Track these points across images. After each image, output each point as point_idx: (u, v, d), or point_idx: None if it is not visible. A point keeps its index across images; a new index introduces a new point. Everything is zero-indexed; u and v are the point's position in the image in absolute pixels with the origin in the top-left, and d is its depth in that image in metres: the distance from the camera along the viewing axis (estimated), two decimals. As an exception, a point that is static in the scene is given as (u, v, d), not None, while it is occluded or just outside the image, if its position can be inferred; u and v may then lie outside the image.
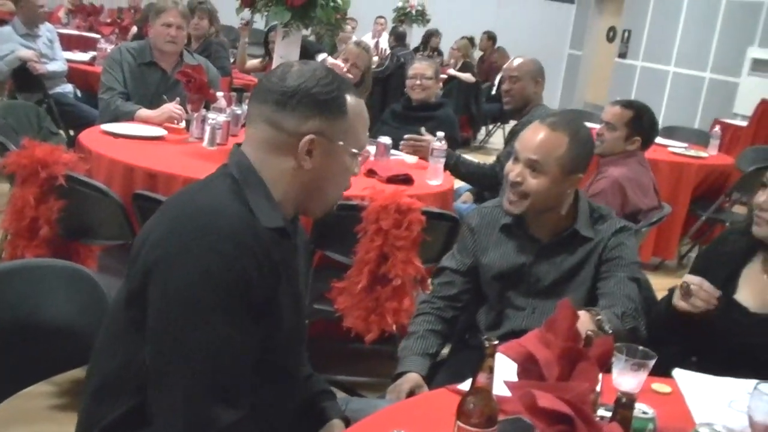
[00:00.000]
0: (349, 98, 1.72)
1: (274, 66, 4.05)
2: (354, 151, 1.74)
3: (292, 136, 1.67)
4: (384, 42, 11.89)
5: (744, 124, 9.13)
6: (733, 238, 2.47)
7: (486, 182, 4.35)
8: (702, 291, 2.18)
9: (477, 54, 11.68)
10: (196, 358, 1.50)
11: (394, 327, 2.76)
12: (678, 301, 2.21)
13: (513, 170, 2.43)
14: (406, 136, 4.28)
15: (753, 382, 1.68)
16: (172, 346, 1.52)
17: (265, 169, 1.69)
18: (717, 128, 6.77)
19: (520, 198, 2.41)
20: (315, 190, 1.74)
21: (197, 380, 1.50)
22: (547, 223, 2.49)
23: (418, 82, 4.86)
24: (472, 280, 2.58)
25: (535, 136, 2.41)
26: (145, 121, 4.16)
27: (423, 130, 4.27)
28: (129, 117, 4.20)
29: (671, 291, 2.31)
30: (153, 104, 4.30)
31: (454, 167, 4.24)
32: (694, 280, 2.20)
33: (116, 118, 4.19)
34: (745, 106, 10.45)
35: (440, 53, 11.85)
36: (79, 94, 6.43)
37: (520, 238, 2.52)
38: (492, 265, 2.53)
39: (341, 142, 1.71)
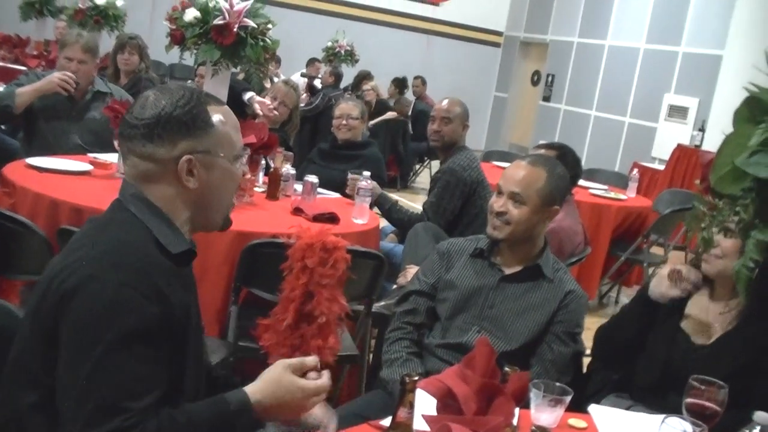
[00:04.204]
0: (211, 108, 1.74)
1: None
2: (233, 155, 1.77)
3: (168, 163, 1.70)
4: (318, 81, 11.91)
5: (661, 167, 9.42)
6: None
7: None
8: (688, 274, 2.49)
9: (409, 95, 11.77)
10: (94, 387, 1.50)
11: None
12: (668, 291, 2.51)
13: (497, 202, 2.67)
14: (351, 176, 4.26)
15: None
16: (75, 375, 1.51)
17: (156, 199, 1.71)
18: (635, 171, 6.96)
19: (503, 224, 2.62)
20: (208, 204, 1.77)
21: (94, 406, 1.49)
22: (517, 255, 2.67)
23: (344, 122, 4.93)
24: (433, 300, 2.71)
25: (518, 171, 2.68)
26: (28, 93, 4.28)
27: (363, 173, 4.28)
28: (10, 99, 4.25)
29: (641, 292, 2.63)
30: (62, 131, 4.43)
31: (388, 212, 4.33)
32: (681, 267, 2.49)
33: None
34: (662, 150, 10.81)
35: (371, 94, 11.90)
36: (3, 126, 6.32)
37: (487, 264, 2.68)
38: (453, 282, 2.67)
39: (219, 153, 1.73)
